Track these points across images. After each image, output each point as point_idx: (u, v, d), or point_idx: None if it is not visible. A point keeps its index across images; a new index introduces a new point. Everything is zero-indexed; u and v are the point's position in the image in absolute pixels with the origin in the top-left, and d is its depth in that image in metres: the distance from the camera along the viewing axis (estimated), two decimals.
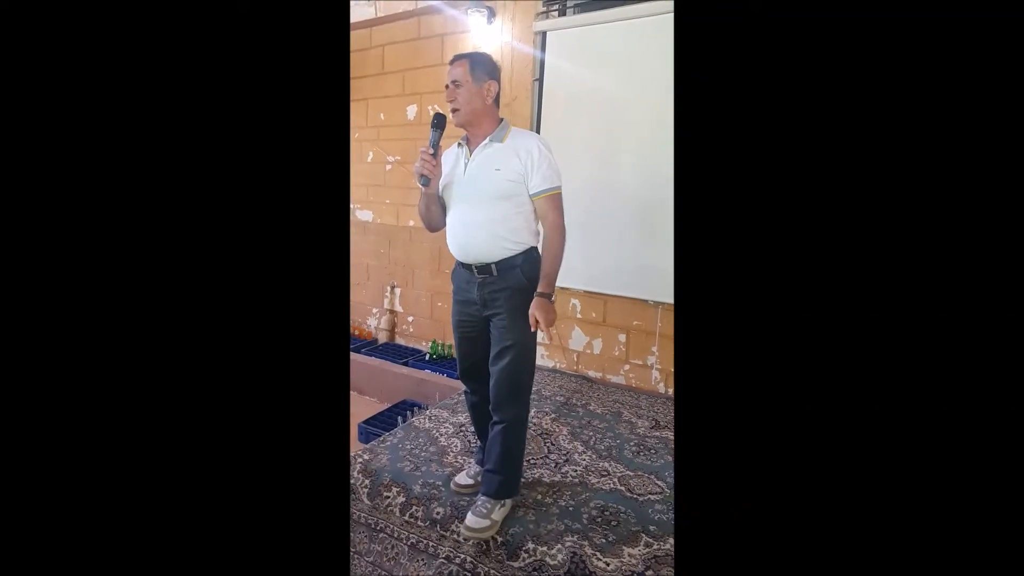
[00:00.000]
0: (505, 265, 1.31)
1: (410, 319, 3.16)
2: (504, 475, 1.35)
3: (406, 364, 2.86)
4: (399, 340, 3.22)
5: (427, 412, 2.05)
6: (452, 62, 1.32)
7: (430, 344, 2.97)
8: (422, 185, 1.31)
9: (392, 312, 3.23)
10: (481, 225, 1.30)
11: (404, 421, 2.10)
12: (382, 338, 3.23)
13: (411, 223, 3.05)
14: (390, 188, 3.12)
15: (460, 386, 2.50)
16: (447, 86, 1.31)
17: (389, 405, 2.64)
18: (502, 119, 1.36)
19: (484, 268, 1.33)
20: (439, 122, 1.31)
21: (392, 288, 3.20)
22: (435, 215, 1.39)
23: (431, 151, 1.29)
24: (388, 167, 3.10)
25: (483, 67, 1.29)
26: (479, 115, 1.31)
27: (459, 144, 1.38)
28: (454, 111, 1.31)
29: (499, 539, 1.32)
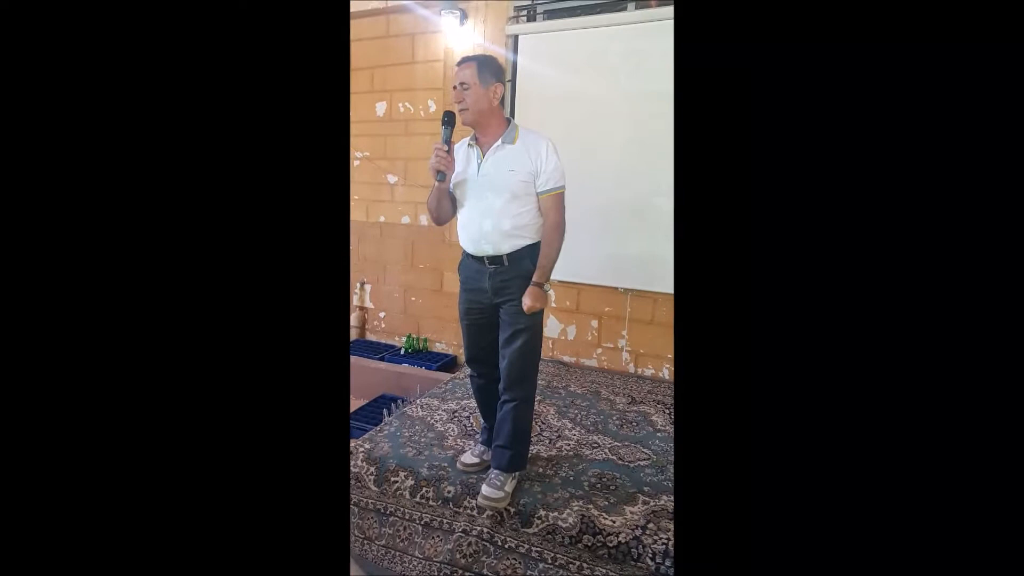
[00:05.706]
0: (516, 256, 1.41)
1: (382, 315, 3.17)
2: (515, 450, 1.46)
3: (382, 359, 2.88)
4: (370, 336, 3.23)
5: (419, 401, 2.11)
6: (460, 64, 1.39)
7: (404, 339, 3.01)
8: (438, 180, 1.38)
9: (362, 309, 3.22)
10: (495, 222, 1.39)
11: (390, 414, 2.14)
12: (352, 335, 3.21)
13: (382, 219, 3.07)
14: (358, 184, 3.11)
15: (441, 377, 2.59)
16: (455, 87, 1.38)
17: (367, 401, 2.65)
18: (509, 120, 1.44)
19: (496, 259, 1.42)
20: (450, 119, 1.38)
21: (362, 285, 3.20)
22: (445, 209, 1.46)
23: (445, 147, 1.36)
24: (356, 163, 3.09)
25: (490, 70, 1.38)
26: (486, 115, 1.39)
27: (469, 144, 1.45)
28: (462, 111, 1.38)
29: (512, 509, 1.43)
